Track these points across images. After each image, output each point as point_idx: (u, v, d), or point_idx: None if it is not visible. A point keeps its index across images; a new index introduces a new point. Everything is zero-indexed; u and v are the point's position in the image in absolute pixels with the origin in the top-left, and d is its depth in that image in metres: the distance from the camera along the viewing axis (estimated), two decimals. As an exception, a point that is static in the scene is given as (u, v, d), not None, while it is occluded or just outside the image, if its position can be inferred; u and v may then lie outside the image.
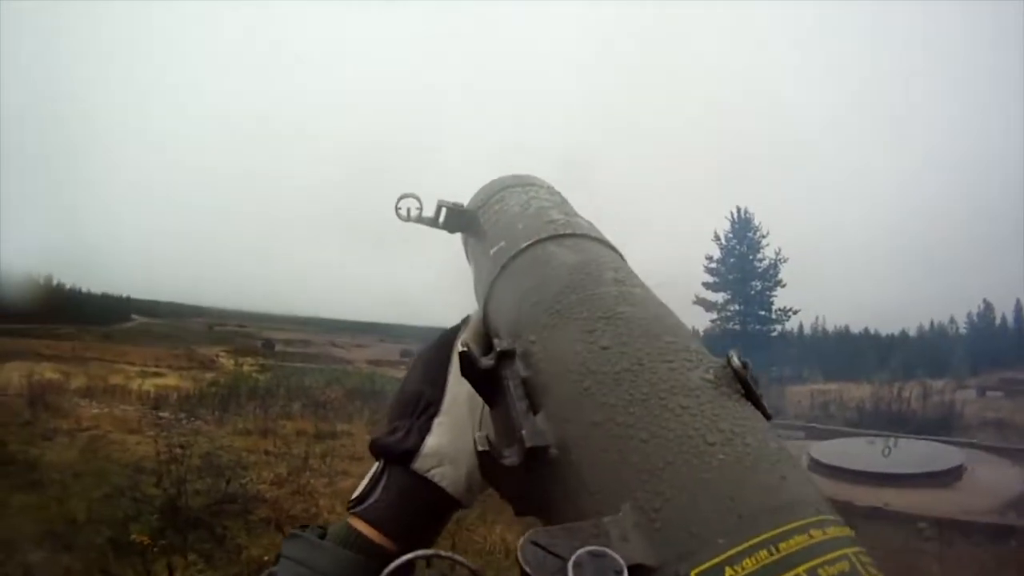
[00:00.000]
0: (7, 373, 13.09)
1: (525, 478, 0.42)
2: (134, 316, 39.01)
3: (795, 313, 34.12)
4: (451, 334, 0.70)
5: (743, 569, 0.31)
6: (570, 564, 0.32)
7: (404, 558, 0.49)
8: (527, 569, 0.33)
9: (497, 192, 0.76)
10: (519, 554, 0.33)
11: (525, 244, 0.61)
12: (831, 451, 11.06)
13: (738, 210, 34.80)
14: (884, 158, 57.48)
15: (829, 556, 0.32)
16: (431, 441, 0.62)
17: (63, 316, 29.80)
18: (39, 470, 7.24)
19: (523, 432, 0.41)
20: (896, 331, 37.69)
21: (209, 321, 39.12)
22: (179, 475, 6.94)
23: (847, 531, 0.35)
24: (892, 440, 11.00)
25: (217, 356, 24.67)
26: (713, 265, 34.74)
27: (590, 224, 0.67)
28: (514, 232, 0.65)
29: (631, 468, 0.37)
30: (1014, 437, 13.08)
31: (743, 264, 34.00)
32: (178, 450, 7.77)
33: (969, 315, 36.96)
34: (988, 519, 7.27)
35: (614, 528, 0.34)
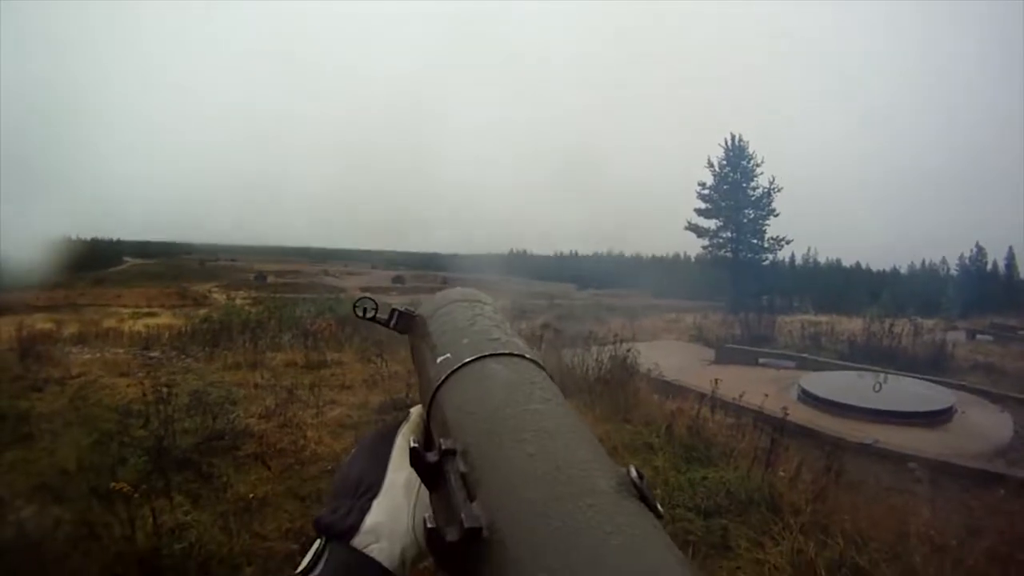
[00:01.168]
0: (-3, 329, 13.03)
1: (461, 552, 0.49)
2: (126, 258, 38.77)
3: (787, 243, 34.45)
4: (392, 427, 0.80)
5: None
6: None
7: None
8: None
9: (447, 304, 0.87)
10: None
11: (469, 359, 0.71)
12: (822, 383, 11.25)
13: (732, 137, 34.63)
14: (887, 95, 55.93)
15: None
16: (370, 520, 0.69)
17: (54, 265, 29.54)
18: (30, 423, 7.19)
19: (462, 515, 0.50)
20: (887, 267, 38.05)
21: (200, 257, 38.94)
22: (167, 415, 6.96)
23: None
24: (883, 376, 11.14)
25: (209, 292, 24.73)
26: (706, 192, 34.68)
27: (525, 344, 0.76)
28: (460, 346, 0.74)
29: (547, 548, 0.45)
30: (1003, 383, 13.06)
31: (736, 192, 34.15)
32: (164, 389, 7.79)
33: (961, 258, 37.63)
34: (978, 464, 7.30)
35: None
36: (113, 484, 4.66)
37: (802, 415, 8.93)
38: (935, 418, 9.69)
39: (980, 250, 36.89)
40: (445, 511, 0.54)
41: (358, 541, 0.68)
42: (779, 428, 7.07)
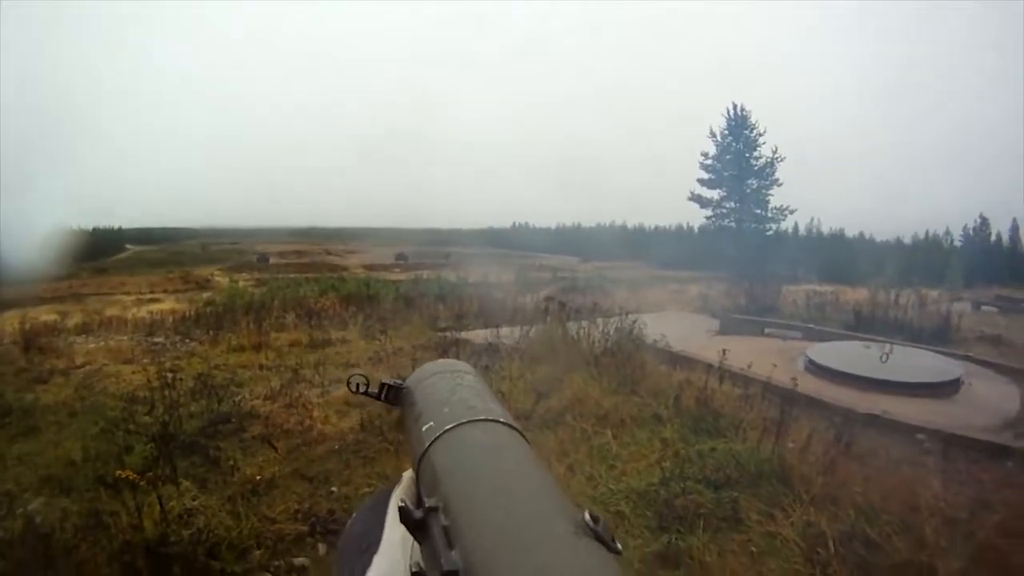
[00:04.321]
0: (1, 323, 12.96)
1: None
2: (128, 246, 38.74)
3: (791, 213, 34.16)
4: (388, 490, 0.90)
5: None
6: None
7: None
8: None
9: (430, 376, 0.98)
10: None
11: (449, 426, 0.80)
12: (829, 354, 11.11)
13: (734, 107, 34.18)
14: (890, 64, 54.91)
15: None
16: (371, 574, 0.77)
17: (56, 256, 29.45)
18: (35, 415, 7.18)
19: (442, 561, 0.57)
20: (891, 238, 38.01)
21: (202, 241, 38.90)
22: (172, 400, 6.94)
23: None
24: (889, 346, 11.02)
25: (212, 275, 24.73)
26: (708, 162, 34.45)
27: (502, 410, 0.85)
28: (441, 415, 0.84)
29: None
30: (1010, 354, 12.85)
31: (739, 162, 33.74)
32: (169, 375, 7.76)
33: (965, 229, 37.17)
34: (986, 436, 7.15)
35: None
36: (119, 472, 4.63)
37: (810, 385, 8.82)
38: (943, 389, 9.57)
39: (984, 221, 36.53)
40: (431, 560, 0.61)
41: None
42: (788, 399, 7.01)
